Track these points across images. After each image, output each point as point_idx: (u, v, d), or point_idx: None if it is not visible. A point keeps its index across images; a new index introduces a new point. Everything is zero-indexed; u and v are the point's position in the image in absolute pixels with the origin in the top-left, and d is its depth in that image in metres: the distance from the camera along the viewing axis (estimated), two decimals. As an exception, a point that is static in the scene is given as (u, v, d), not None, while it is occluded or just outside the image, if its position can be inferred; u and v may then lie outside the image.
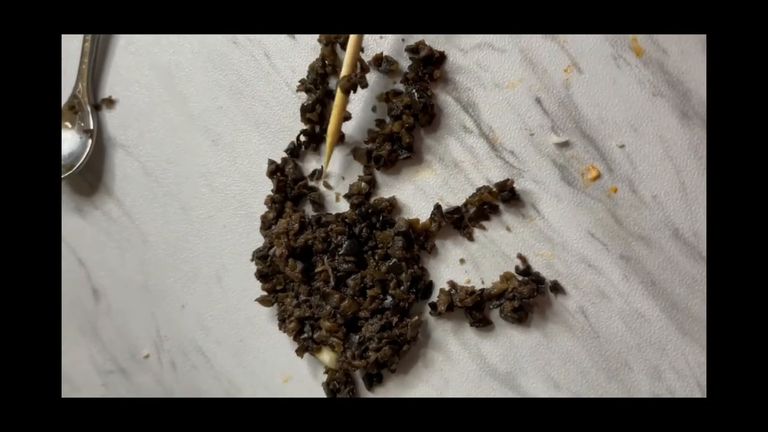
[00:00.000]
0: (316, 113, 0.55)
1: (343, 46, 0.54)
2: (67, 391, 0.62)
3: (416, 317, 0.53)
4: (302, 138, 0.55)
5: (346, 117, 0.53)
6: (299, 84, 0.55)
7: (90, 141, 0.59)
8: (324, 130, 0.55)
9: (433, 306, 0.53)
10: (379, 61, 0.54)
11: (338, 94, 0.52)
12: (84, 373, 0.61)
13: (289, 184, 0.55)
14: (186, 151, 0.58)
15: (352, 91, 0.52)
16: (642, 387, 0.51)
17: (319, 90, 0.54)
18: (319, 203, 0.55)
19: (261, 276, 0.55)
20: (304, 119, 0.55)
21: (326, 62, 0.54)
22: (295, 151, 0.56)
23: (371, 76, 0.54)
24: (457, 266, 0.53)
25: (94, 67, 0.59)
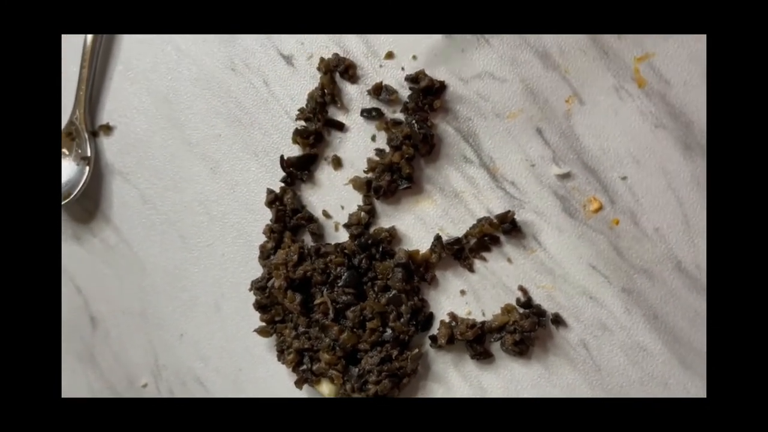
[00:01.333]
0: (309, 140, 0.54)
1: (343, 75, 0.54)
2: (65, 419, 0.62)
3: (416, 350, 0.52)
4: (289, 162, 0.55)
5: None
6: (298, 113, 0.55)
7: (87, 168, 0.58)
8: (316, 157, 0.55)
9: (434, 339, 0.52)
10: (379, 90, 0.53)
11: None
12: (82, 401, 0.61)
13: (288, 214, 0.55)
14: (184, 179, 0.58)
15: None
16: (644, 421, 0.50)
17: (319, 120, 0.54)
18: (318, 234, 0.54)
19: (259, 307, 0.54)
20: (296, 141, 0.54)
21: (325, 91, 0.54)
22: (286, 179, 0.55)
23: (370, 104, 0.54)
24: (457, 297, 0.53)
25: (92, 94, 0.59)
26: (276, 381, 0.56)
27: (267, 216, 0.56)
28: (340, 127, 0.54)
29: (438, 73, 0.52)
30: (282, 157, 0.55)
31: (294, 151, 0.55)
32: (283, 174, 0.55)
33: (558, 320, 0.51)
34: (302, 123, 0.55)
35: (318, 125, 0.54)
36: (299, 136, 0.54)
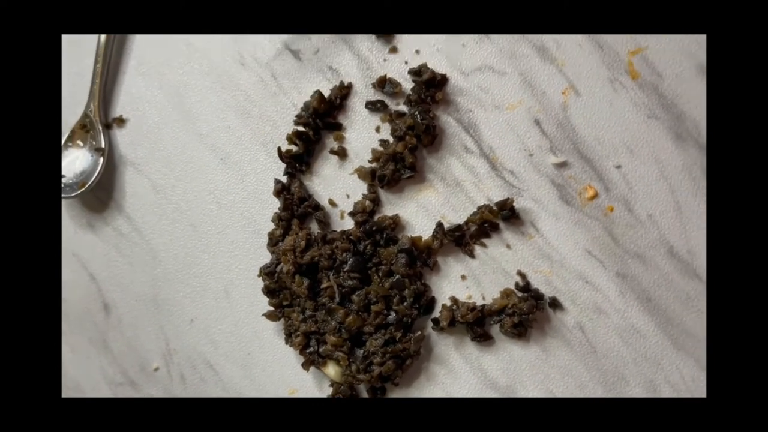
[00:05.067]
0: (302, 142, 0.56)
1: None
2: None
3: (419, 332, 0.54)
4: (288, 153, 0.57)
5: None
6: (296, 118, 0.57)
7: (101, 159, 0.61)
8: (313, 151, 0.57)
9: (436, 321, 0.54)
10: (383, 83, 0.55)
11: None
12: (94, 385, 0.63)
13: (296, 203, 0.57)
14: (195, 169, 0.60)
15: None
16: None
17: (318, 125, 0.56)
18: (324, 222, 0.56)
19: (268, 291, 0.56)
20: (293, 142, 0.57)
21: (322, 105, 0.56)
22: (287, 170, 0.57)
23: (374, 97, 0.56)
24: (458, 282, 0.55)
25: (106, 88, 0.61)
26: (283, 364, 0.58)
27: (275, 205, 0.58)
28: (338, 127, 0.56)
29: (440, 67, 0.55)
30: (279, 149, 0.57)
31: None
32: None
33: (555, 304, 0.53)
34: (300, 128, 0.57)
35: (315, 127, 0.56)
36: (295, 137, 0.56)
